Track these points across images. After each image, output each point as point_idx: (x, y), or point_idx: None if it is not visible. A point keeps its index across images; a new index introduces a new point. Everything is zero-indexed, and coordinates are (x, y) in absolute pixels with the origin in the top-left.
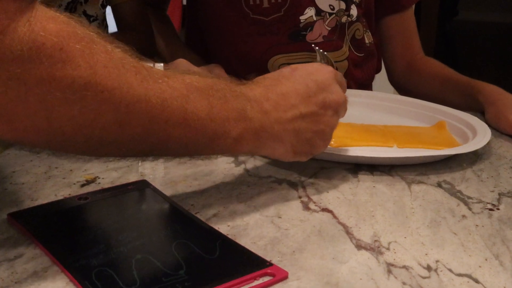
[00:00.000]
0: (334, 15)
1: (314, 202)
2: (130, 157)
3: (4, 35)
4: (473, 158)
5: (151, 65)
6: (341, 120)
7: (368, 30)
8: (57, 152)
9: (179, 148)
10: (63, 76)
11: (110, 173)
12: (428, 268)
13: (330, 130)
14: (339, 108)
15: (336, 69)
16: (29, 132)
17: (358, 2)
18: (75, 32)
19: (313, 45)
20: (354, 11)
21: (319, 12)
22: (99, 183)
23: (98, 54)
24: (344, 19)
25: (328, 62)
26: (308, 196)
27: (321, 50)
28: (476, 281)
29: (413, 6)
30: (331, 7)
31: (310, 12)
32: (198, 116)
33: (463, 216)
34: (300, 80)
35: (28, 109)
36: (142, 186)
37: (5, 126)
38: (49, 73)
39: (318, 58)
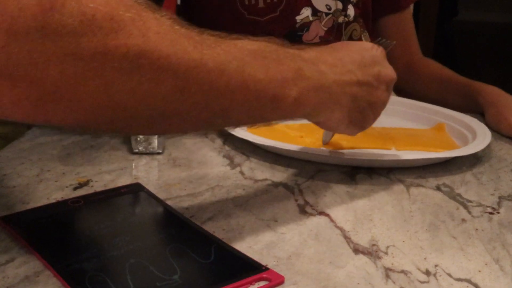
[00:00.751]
0: (330, 15)
1: (311, 206)
2: (193, 131)
3: (53, 11)
4: (472, 160)
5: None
6: None
7: (365, 31)
8: (121, 134)
9: (241, 115)
10: (117, 46)
11: (103, 176)
12: (427, 272)
13: (381, 105)
14: (391, 84)
15: None
16: (91, 112)
17: (355, 2)
18: (123, 1)
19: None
20: (351, 11)
21: (315, 12)
22: (92, 186)
23: (149, 21)
24: (341, 19)
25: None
26: (304, 200)
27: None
28: (476, 286)
29: (411, 6)
30: (328, 7)
31: (306, 12)
32: (256, 78)
33: (463, 219)
34: (355, 51)
35: (87, 86)
36: (135, 189)
37: (67, 109)
38: (103, 45)
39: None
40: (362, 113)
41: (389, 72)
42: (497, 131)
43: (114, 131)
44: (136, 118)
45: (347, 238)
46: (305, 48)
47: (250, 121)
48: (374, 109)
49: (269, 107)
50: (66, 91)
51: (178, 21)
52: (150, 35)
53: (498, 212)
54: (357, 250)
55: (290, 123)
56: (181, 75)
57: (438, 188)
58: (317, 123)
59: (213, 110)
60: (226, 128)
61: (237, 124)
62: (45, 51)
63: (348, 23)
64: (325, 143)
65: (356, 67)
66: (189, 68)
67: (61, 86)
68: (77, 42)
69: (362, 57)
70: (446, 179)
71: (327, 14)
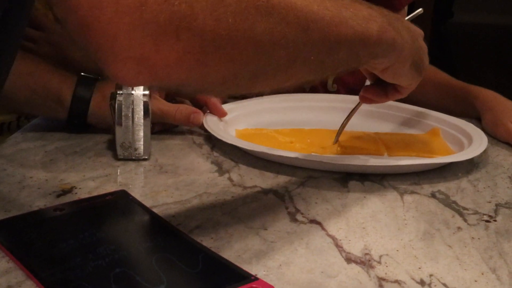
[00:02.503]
0: None
1: (302, 213)
2: (308, 78)
3: None
4: (468, 167)
5: None
6: (329, 127)
7: None
8: (256, 87)
9: (344, 52)
10: None
11: (87, 182)
12: (422, 282)
13: (426, 51)
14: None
15: None
16: (240, 60)
17: None
18: None
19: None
20: None
21: None
22: (76, 193)
23: None
24: None
25: None
26: (295, 207)
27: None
28: None
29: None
30: None
31: None
32: (347, 15)
33: (458, 228)
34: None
35: (237, 31)
36: (121, 196)
37: (223, 59)
38: None
39: None
40: (419, 54)
41: (417, 28)
42: (493, 136)
43: (249, 83)
44: (270, 64)
45: (339, 247)
46: None
47: (349, 60)
48: (424, 53)
49: (361, 44)
50: (221, 38)
51: None
52: None
53: (495, 220)
54: (349, 259)
55: (279, 128)
56: (302, 13)
57: (433, 195)
58: (385, 71)
59: (325, 49)
60: (213, 134)
61: (339, 66)
62: (200, 0)
63: None
64: (335, 142)
65: (399, 18)
66: (303, 7)
67: (218, 33)
68: None
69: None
70: (441, 186)
71: None
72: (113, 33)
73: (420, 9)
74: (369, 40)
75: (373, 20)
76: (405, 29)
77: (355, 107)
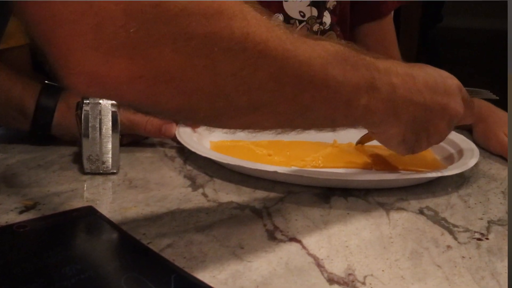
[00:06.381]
0: (304, 22)
1: (281, 231)
2: (272, 128)
3: None
4: (459, 181)
5: None
6: (309, 139)
7: (342, 40)
8: (213, 125)
9: (317, 114)
10: (223, 27)
11: (52, 198)
12: None
13: (437, 137)
14: (454, 121)
15: None
16: (194, 94)
17: (332, 8)
18: None
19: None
20: (327, 18)
21: (287, 19)
22: (40, 209)
23: (245, 7)
24: (315, 27)
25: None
26: (274, 224)
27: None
28: None
29: (392, 12)
30: (302, 14)
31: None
32: (336, 79)
33: (448, 246)
34: (430, 74)
35: (195, 66)
36: (87, 213)
37: (175, 90)
38: (211, 24)
39: None
40: (416, 136)
41: (457, 107)
42: (485, 149)
43: (210, 120)
44: (234, 107)
45: (320, 267)
46: (380, 57)
47: (323, 123)
48: (429, 137)
49: (341, 111)
50: (177, 70)
51: (263, 11)
52: (250, 19)
53: (487, 238)
54: (331, 280)
55: (257, 140)
56: (277, 63)
57: (421, 212)
58: (372, 133)
59: (297, 105)
60: (186, 146)
61: (310, 126)
62: (160, 29)
63: (323, 32)
64: (357, 143)
65: (426, 90)
66: (283, 57)
67: (173, 65)
68: (188, 21)
69: (435, 82)
70: (430, 202)
71: (300, 22)
72: (68, 49)
73: (490, 93)
74: (350, 110)
75: (366, 93)
76: (420, 108)
77: None
